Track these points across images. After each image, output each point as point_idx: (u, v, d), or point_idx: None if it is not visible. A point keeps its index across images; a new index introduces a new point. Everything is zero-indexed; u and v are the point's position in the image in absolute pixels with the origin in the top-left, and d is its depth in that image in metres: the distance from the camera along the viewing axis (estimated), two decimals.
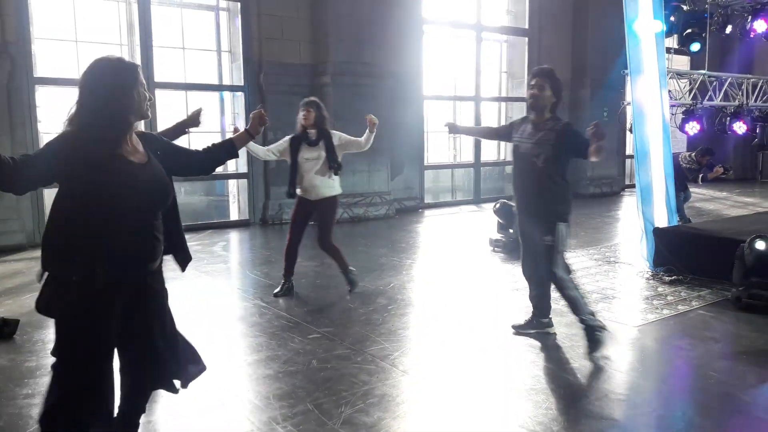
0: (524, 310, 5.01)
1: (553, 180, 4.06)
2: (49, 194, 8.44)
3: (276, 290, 5.42)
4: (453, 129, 4.75)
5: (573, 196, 4.32)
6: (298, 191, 5.34)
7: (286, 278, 5.46)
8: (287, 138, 5.37)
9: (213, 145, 2.76)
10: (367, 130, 5.22)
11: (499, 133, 4.73)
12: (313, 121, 5.24)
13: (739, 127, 9.38)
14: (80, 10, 8.66)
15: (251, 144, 4.61)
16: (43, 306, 2.27)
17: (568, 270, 4.16)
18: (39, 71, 8.15)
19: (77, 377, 2.27)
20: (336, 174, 5.34)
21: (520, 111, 13.24)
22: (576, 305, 4.05)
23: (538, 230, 4.08)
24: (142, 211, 2.31)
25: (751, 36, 9.35)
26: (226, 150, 2.75)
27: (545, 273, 4.16)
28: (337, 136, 5.34)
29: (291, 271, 5.48)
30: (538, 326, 4.41)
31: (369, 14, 10.00)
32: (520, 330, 4.43)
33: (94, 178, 2.18)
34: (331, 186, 5.35)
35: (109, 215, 2.21)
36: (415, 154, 11.38)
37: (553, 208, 4.05)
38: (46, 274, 2.28)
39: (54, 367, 2.32)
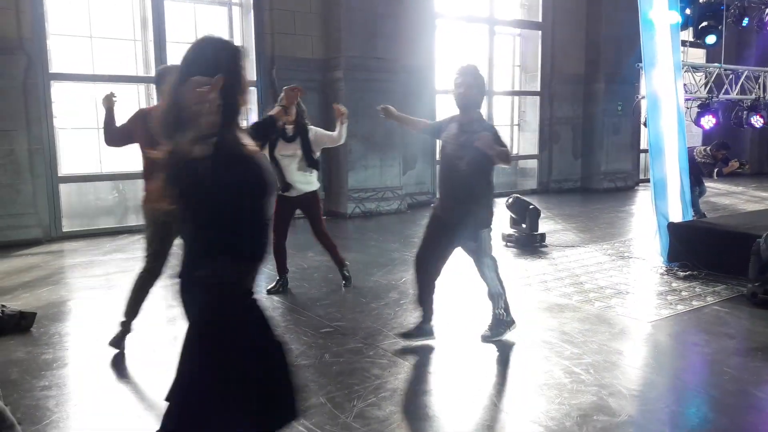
0: (537, 306, 5.00)
1: (477, 184, 3.95)
2: (65, 188, 8.54)
3: (269, 286, 5.41)
4: (387, 114, 4.40)
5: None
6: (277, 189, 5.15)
7: (280, 275, 5.46)
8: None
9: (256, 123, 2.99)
10: (338, 122, 5.11)
11: (429, 130, 4.53)
12: (294, 117, 5.07)
13: (756, 121, 9.26)
14: (94, 6, 8.72)
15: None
16: None
17: (495, 266, 4.15)
18: (54, 67, 8.22)
19: None
20: (316, 170, 5.25)
21: (533, 105, 13.19)
22: (493, 297, 4.13)
23: (461, 235, 4.02)
24: None
25: None
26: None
27: (477, 266, 4.13)
28: (313, 131, 5.21)
29: (284, 268, 5.48)
30: (425, 333, 4.16)
31: (381, 8, 9.98)
32: (408, 337, 4.15)
33: None
34: (311, 182, 5.29)
35: None
36: (427, 148, 11.35)
37: (476, 214, 3.96)
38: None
39: None
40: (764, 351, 3.98)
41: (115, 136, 4.14)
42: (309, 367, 3.72)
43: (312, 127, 5.25)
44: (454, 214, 4.00)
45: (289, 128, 5.10)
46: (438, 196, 4.29)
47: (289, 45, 9.52)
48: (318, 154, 5.24)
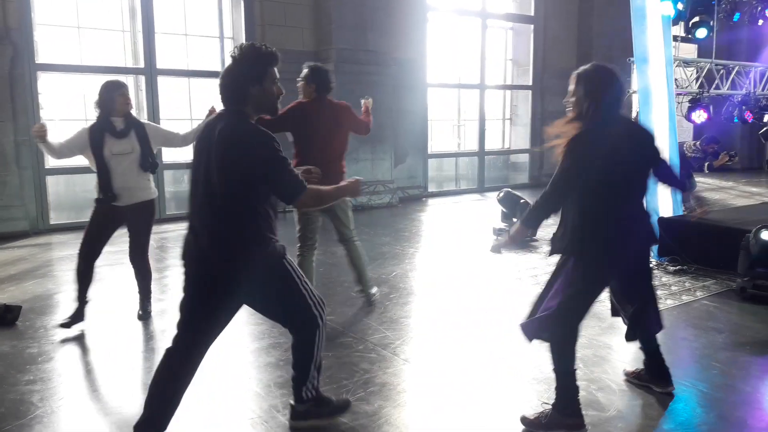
0: (528, 300, 5.00)
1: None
2: (52, 180, 8.46)
3: (64, 320, 4.29)
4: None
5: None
6: (100, 194, 4.29)
7: (81, 303, 4.34)
8: (84, 129, 4.27)
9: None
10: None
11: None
12: (129, 107, 4.34)
13: (747, 116, 9.30)
14: None
15: (49, 140, 4.08)
16: None
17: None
18: (41, 58, 8.12)
19: None
20: (153, 173, 4.43)
21: (525, 99, 13.18)
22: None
23: None
24: None
25: (759, 24, 9.23)
26: None
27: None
28: (151, 126, 4.54)
29: (84, 297, 4.34)
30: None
31: (373, 1, 9.93)
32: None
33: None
34: (148, 188, 4.42)
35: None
36: (418, 142, 11.33)
37: None
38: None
39: None
40: (753, 345, 4.00)
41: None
42: None
43: (148, 122, 4.62)
44: None
45: (118, 121, 4.26)
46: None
47: (280, 37, 9.44)
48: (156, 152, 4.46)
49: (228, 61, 2.69)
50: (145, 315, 4.57)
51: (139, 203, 4.35)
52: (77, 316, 4.30)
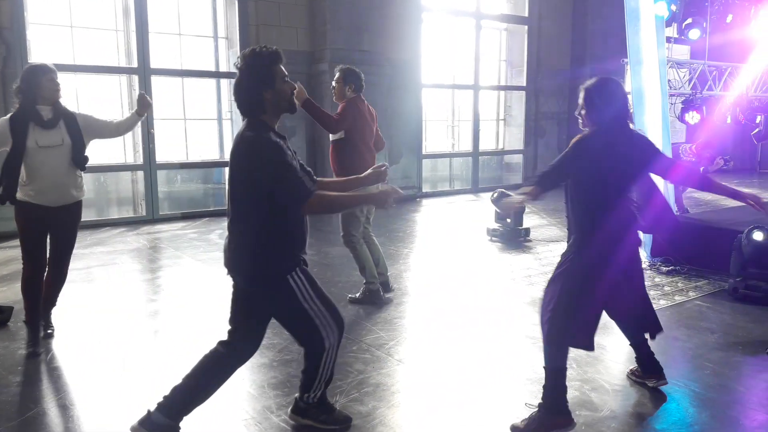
0: (521, 300, 5.01)
1: None
2: None
3: (31, 350, 3.82)
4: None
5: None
6: (26, 195, 3.74)
7: (45, 321, 4.08)
8: (5, 119, 3.76)
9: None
10: (135, 111, 4.10)
11: None
12: (58, 95, 3.85)
13: (738, 117, 9.35)
14: None
15: None
16: None
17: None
18: (34, 57, 8.06)
19: None
20: (83, 170, 3.92)
21: (519, 100, 13.21)
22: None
23: None
24: None
25: (751, 25, 9.29)
26: None
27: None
28: (83, 116, 3.97)
29: (38, 312, 3.91)
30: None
31: (368, 1, 9.93)
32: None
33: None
34: (80, 186, 3.95)
35: None
36: (413, 142, 11.33)
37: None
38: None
39: None
40: (745, 345, 4.02)
41: None
42: (292, 362, 3.68)
43: (79, 112, 4.00)
44: None
45: (46, 110, 3.77)
46: None
47: (274, 37, 9.43)
48: (87, 147, 3.96)
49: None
50: (49, 330, 4.11)
51: (71, 204, 3.89)
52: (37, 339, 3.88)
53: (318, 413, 2.90)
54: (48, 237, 3.92)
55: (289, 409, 2.97)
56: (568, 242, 3.08)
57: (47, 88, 3.77)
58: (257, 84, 2.56)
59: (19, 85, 3.79)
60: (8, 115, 3.77)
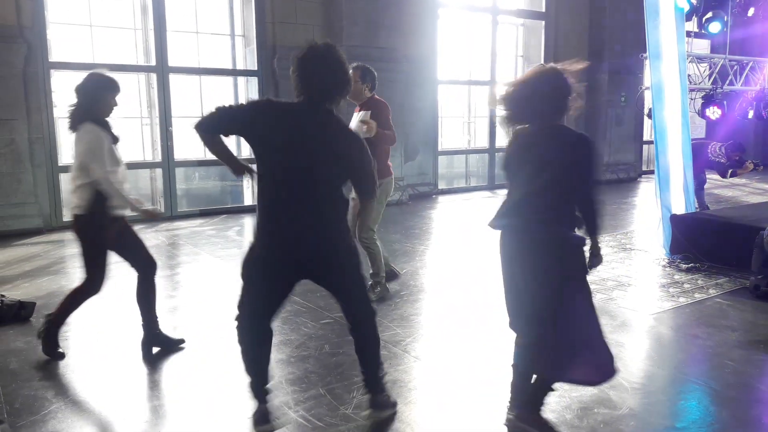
0: None
1: None
2: (65, 178, 8.53)
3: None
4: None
5: None
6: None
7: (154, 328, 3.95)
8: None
9: None
10: (137, 205, 3.89)
11: None
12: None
13: (761, 113, 9.21)
14: None
15: None
16: None
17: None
18: (54, 56, 8.18)
19: None
20: None
21: None
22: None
23: None
24: None
25: None
26: None
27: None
28: None
29: (153, 321, 3.91)
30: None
31: None
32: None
33: None
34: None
35: None
36: (429, 139, 11.31)
37: None
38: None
39: None
40: (766, 344, 3.96)
41: None
42: (309, 358, 3.70)
43: None
44: None
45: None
46: None
47: (291, 34, 9.45)
48: None
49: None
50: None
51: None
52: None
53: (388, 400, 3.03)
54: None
55: (370, 411, 2.98)
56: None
57: (110, 106, 3.66)
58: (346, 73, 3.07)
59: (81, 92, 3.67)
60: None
